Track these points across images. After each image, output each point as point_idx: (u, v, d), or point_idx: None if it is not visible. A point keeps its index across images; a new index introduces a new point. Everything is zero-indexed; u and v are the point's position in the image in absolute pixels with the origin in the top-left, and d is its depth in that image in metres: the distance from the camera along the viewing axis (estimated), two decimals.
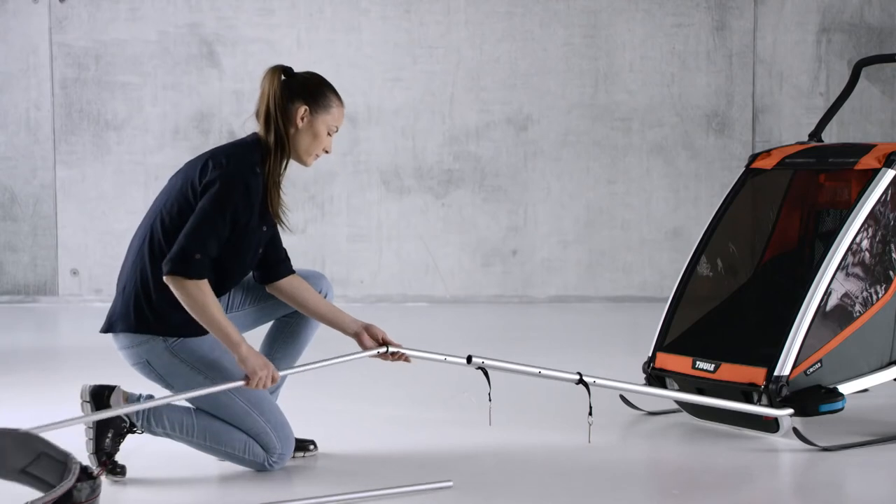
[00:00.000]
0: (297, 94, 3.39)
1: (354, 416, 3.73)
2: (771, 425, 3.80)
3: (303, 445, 3.59)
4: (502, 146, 7.60)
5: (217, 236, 3.24)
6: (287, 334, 3.62)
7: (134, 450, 3.41)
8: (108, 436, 3.32)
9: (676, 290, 4.19)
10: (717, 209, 4.29)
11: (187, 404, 3.38)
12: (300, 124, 3.38)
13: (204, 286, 3.22)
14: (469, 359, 3.47)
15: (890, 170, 3.89)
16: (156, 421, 3.35)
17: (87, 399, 3.34)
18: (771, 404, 3.71)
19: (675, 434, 4.01)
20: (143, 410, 3.34)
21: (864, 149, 4.02)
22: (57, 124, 7.58)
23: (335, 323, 3.52)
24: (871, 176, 3.91)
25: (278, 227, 3.47)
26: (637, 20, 7.58)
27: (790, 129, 7.54)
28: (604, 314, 7.27)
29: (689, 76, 7.60)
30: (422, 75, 7.58)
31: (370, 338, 3.49)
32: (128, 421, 3.34)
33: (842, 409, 3.79)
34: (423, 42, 7.58)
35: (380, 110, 7.59)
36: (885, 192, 3.88)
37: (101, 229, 7.62)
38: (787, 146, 4.35)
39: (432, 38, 7.58)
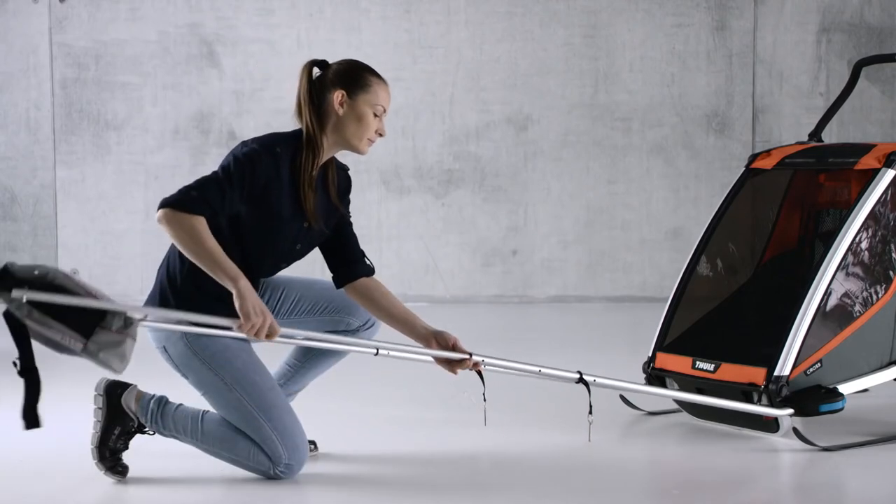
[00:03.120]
0: (333, 82, 3.33)
1: (355, 416, 3.73)
2: (771, 425, 3.80)
3: None
4: (502, 146, 7.60)
5: (221, 192, 3.17)
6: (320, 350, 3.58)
7: (136, 449, 3.41)
8: (114, 432, 3.32)
9: (676, 290, 4.19)
10: (716, 209, 4.29)
11: (197, 407, 3.38)
12: (341, 111, 3.31)
13: (196, 220, 3.11)
14: (470, 357, 3.45)
15: (890, 170, 3.89)
16: (164, 422, 3.34)
17: (101, 392, 3.34)
18: (771, 404, 3.71)
19: (675, 434, 4.01)
20: (153, 411, 3.33)
21: (864, 149, 4.02)
22: (57, 124, 7.58)
23: (407, 327, 3.46)
24: (871, 176, 3.91)
25: (350, 226, 3.48)
26: (637, 20, 7.58)
27: (790, 129, 7.54)
28: (604, 314, 7.27)
29: (689, 76, 7.60)
30: (422, 75, 7.57)
31: (438, 345, 3.43)
32: (136, 421, 3.34)
33: (842, 409, 3.79)
34: (423, 42, 7.58)
35: None
36: (885, 192, 3.88)
37: (101, 229, 7.62)
38: (787, 146, 4.35)
39: (432, 38, 7.58)
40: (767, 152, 4.30)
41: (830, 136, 7.20)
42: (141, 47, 7.54)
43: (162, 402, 3.35)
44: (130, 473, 3.36)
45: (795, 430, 3.71)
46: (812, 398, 3.72)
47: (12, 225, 7.64)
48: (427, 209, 7.62)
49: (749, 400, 3.78)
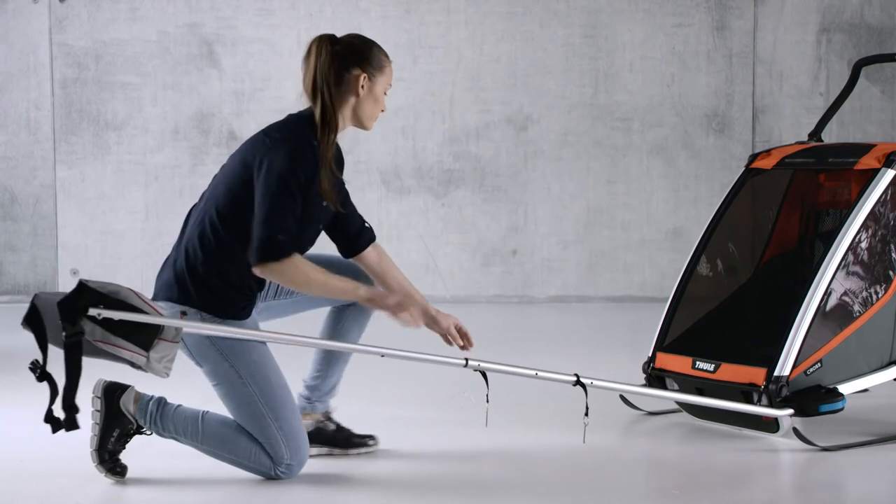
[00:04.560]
0: (351, 60, 3.32)
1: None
2: (771, 425, 3.80)
3: None
4: (502, 146, 7.60)
5: (292, 212, 3.21)
6: (341, 332, 3.62)
7: (136, 449, 3.41)
8: (113, 434, 3.32)
9: (676, 290, 4.19)
10: (716, 209, 4.29)
11: (197, 408, 3.38)
12: (362, 92, 3.34)
13: (296, 260, 3.21)
14: (466, 362, 3.45)
15: (890, 170, 3.89)
16: (163, 424, 3.34)
17: (99, 395, 3.34)
18: (771, 404, 3.71)
19: (675, 434, 4.01)
20: (152, 412, 3.33)
21: (864, 149, 4.02)
22: (57, 124, 7.58)
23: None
24: (870, 176, 3.91)
25: (349, 196, 3.51)
26: (637, 20, 7.58)
27: (790, 129, 7.54)
28: (604, 314, 7.26)
29: (689, 76, 7.60)
30: (422, 75, 7.57)
31: (436, 323, 3.55)
32: (135, 423, 3.34)
33: (842, 409, 3.79)
34: (423, 42, 7.58)
35: None
36: (885, 191, 3.88)
37: (101, 229, 7.61)
38: (786, 146, 4.35)
39: (432, 38, 7.58)
40: (767, 152, 4.29)
41: (830, 136, 7.19)
42: (141, 47, 7.54)
43: (161, 403, 3.35)
44: (130, 474, 3.36)
45: (795, 430, 3.71)
46: (812, 398, 3.72)
47: (12, 225, 7.64)
48: (427, 209, 7.62)
49: (749, 400, 3.77)
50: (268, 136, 3.32)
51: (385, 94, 3.39)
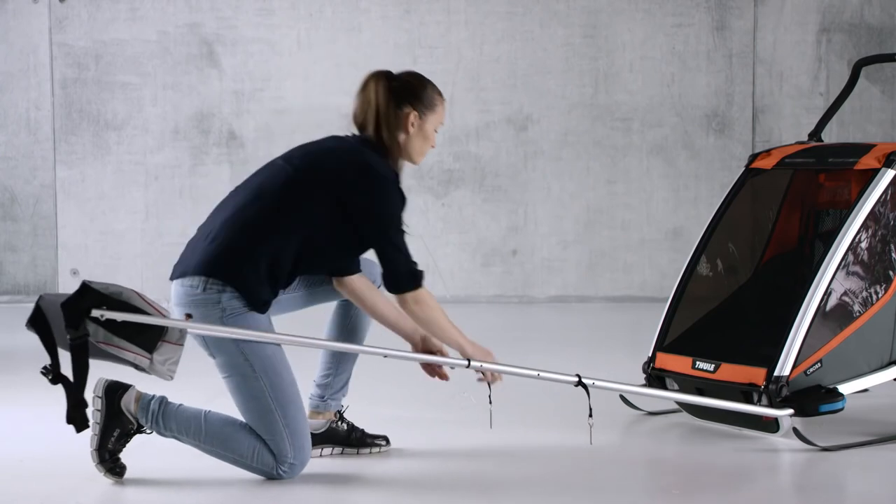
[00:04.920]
0: (404, 98, 3.44)
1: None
2: (771, 425, 3.80)
3: None
4: (502, 146, 7.60)
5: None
6: (349, 327, 3.65)
7: (136, 449, 3.41)
8: (113, 434, 3.31)
9: (676, 290, 4.19)
10: (716, 209, 4.29)
11: (199, 407, 3.38)
12: (411, 130, 3.45)
13: (432, 297, 3.45)
14: (469, 362, 3.46)
15: (890, 170, 3.89)
16: (165, 423, 3.34)
17: (100, 394, 3.33)
18: (771, 404, 3.71)
19: (675, 434, 4.01)
20: (153, 411, 3.33)
21: (864, 149, 4.02)
22: (57, 124, 7.58)
23: (396, 330, 3.55)
24: (870, 176, 3.91)
25: None
26: (637, 20, 7.58)
27: (790, 129, 7.54)
28: (604, 314, 7.27)
29: (689, 76, 7.60)
30: None
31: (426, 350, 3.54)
32: (135, 423, 3.34)
33: (842, 409, 3.79)
34: (423, 42, 7.58)
35: None
36: (885, 191, 3.88)
37: (101, 229, 7.62)
38: (786, 146, 4.35)
39: (432, 38, 7.58)
40: (767, 152, 4.29)
41: (830, 136, 7.19)
42: (141, 47, 7.54)
43: (163, 402, 3.35)
44: (131, 473, 3.35)
45: (795, 430, 3.71)
46: (812, 398, 3.72)
47: (12, 225, 7.64)
48: (427, 209, 7.62)
49: (749, 400, 3.77)
50: (359, 166, 3.36)
51: (436, 131, 3.50)
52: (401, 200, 3.38)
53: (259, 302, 3.31)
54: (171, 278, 3.37)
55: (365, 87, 3.45)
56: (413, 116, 3.43)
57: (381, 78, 3.45)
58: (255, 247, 3.30)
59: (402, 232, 3.39)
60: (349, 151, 3.40)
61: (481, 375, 3.54)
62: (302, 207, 3.33)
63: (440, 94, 3.51)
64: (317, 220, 3.33)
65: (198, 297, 3.28)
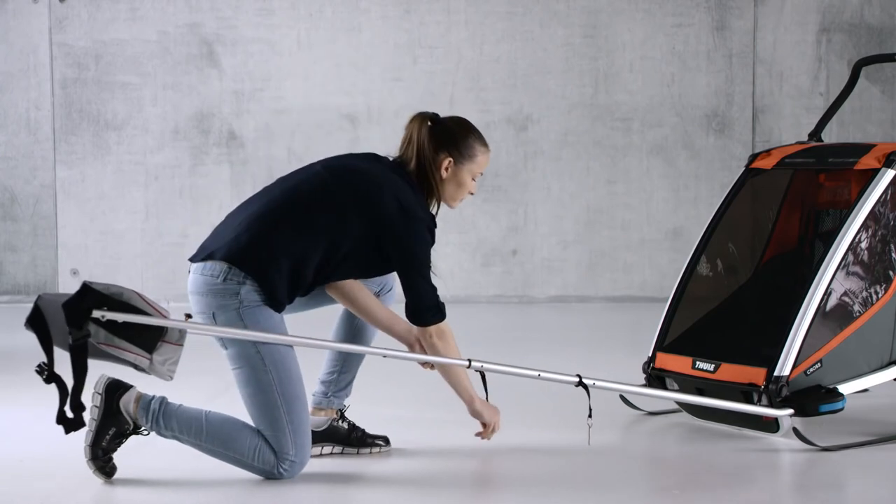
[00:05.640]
0: (443, 144, 3.49)
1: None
2: (771, 425, 3.80)
3: None
4: (502, 146, 7.60)
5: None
6: (356, 329, 3.68)
7: (136, 449, 3.41)
8: (108, 433, 3.31)
9: (676, 290, 4.19)
10: (716, 209, 4.29)
11: (199, 407, 3.38)
12: (444, 175, 3.50)
13: (450, 330, 3.49)
14: (470, 363, 3.47)
15: (890, 170, 3.89)
16: (166, 423, 3.33)
17: (100, 391, 3.33)
18: (771, 404, 3.71)
19: (675, 434, 4.01)
20: (154, 411, 3.33)
21: (864, 149, 4.02)
22: (57, 124, 7.58)
23: (390, 332, 3.57)
24: (870, 176, 3.91)
25: None
26: (637, 20, 7.58)
27: (790, 129, 7.54)
28: (604, 314, 7.27)
29: (689, 76, 7.60)
30: (422, 75, 7.58)
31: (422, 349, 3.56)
32: (132, 424, 3.33)
33: (842, 409, 3.79)
34: (423, 42, 7.58)
35: (380, 110, 7.59)
36: (885, 191, 3.88)
37: (101, 229, 7.62)
38: (786, 146, 4.35)
39: (432, 38, 7.58)
40: (767, 152, 4.29)
41: (830, 136, 7.20)
42: (141, 47, 7.54)
43: (163, 402, 3.35)
44: (131, 473, 3.35)
45: (795, 430, 3.71)
46: (812, 398, 3.72)
47: (12, 225, 7.64)
48: None
49: (749, 400, 3.77)
50: (401, 204, 3.40)
51: (474, 179, 3.54)
52: (431, 241, 3.45)
53: (276, 299, 3.32)
54: (192, 259, 3.38)
55: (410, 124, 3.52)
56: (448, 163, 3.49)
57: (425, 120, 3.51)
58: (281, 244, 3.32)
59: (429, 268, 3.45)
60: (391, 186, 3.43)
61: (480, 429, 3.65)
62: (333, 215, 3.36)
63: (484, 143, 3.54)
64: (346, 230, 3.36)
65: (217, 287, 3.29)
